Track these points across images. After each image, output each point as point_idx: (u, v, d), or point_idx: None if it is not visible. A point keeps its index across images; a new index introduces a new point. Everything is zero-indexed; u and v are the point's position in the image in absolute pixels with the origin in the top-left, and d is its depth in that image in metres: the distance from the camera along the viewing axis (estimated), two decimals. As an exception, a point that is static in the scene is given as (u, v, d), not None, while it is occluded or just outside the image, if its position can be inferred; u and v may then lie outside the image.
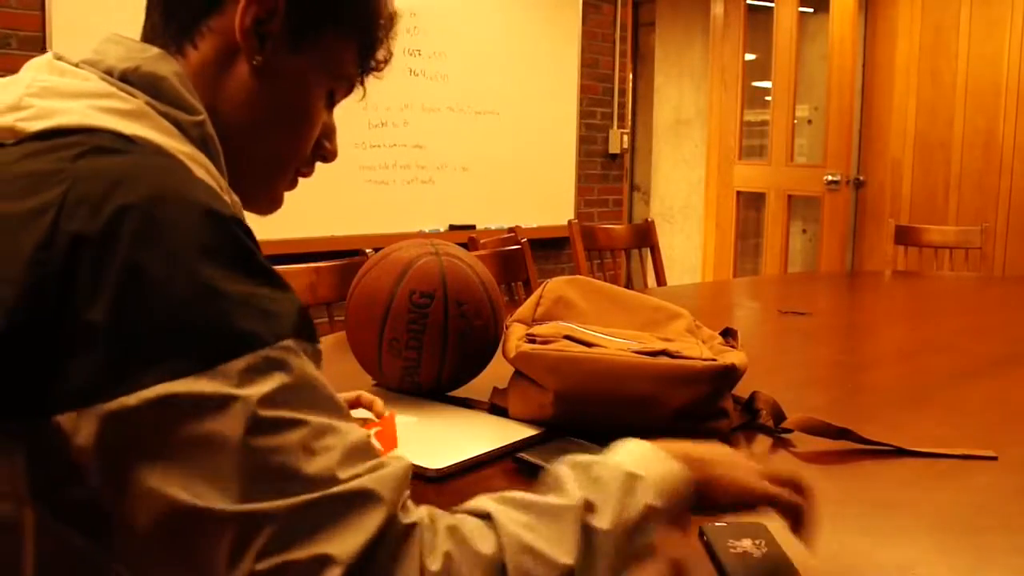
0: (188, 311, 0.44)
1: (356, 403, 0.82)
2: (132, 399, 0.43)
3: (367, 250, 1.66)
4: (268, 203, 0.64)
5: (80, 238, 0.44)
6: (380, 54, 0.63)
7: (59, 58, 0.56)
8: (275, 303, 0.48)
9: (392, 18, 0.64)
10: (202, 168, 0.54)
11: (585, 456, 0.54)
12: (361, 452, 0.47)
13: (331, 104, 0.64)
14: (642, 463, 0.54)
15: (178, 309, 0.44)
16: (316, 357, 0.50)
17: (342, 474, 0.45)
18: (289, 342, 0.47)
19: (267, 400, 0.44)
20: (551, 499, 0.50)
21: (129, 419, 0.43)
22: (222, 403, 0.43)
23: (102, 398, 0.43)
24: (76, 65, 0.56)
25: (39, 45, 2.40)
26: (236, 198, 0.58)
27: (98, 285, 0.44)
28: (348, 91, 0.64)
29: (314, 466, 0.44)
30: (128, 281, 0.44)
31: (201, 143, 0.55)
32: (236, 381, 0.44)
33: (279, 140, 0.61)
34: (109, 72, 0.55)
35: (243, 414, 0.44)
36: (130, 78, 0.55)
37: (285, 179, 0.63)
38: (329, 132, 0.65)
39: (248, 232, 0.50)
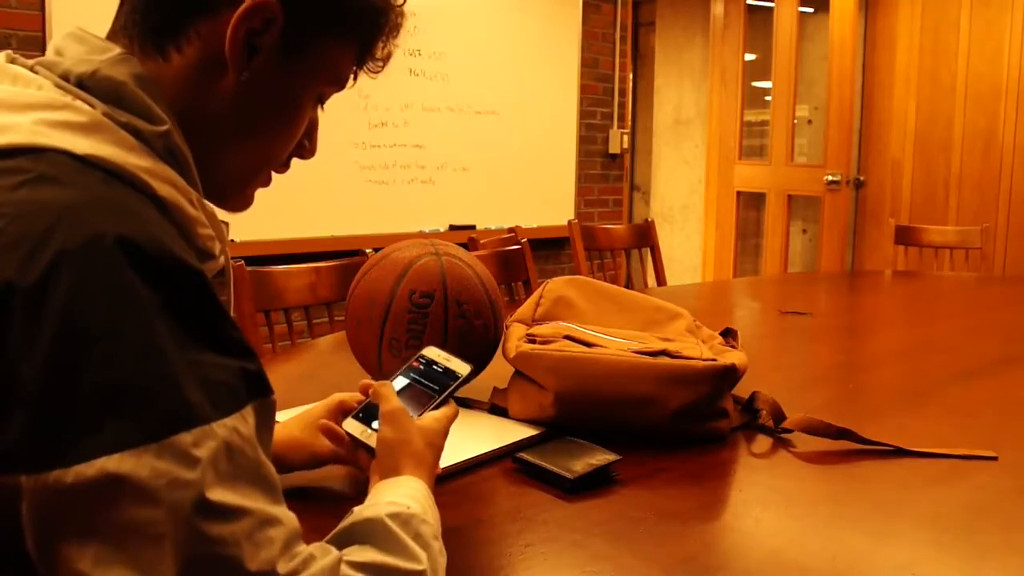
0: (133, 374, 0.42)
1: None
2: (69, 475, 0.39)
3: (367, 250, 1.66)
4: (240, 203, 0.60)
5: (11, 287, 0.41)
6: (380, 52, 0.60)
7: (12, 60, 0.52)
8: (225, 369, 0.46)
9: (399, 16, 0.60)
10: (166, 184, 0.50)
11: (397, 505, 0.56)
12: (296, 540, 0.47)
13: (320, 104, 0.61)
14: (430, 509, 0.59)
15: (121, 371, 0.41)
16: (268, 412, 0.49)
17: (282, 568, 0.44)
18: (235, 417, 0.45)
19: (214, 484, 0.43)
20: (409, 567, 0.52)
21: (64, 496, 0.39)
22: (169, 485, 0.41)
23: (37, 467, 0.40)
24: (32, 68, 0.52)
25: (39, 45, 2.40)
26: (210, 207, 0.55)
27: (32, 338, 0.40)
28: (340, 89, 0.60)
29: (257, 561, 0.43)
30: (65, 337, 0.40)
31: (167, 154, 0.51)
32: (184, 460, 0.42)
33: (260, 148, 0.58)
34: (65, 76, 0.51)
35: (190, 499, 0.41)
36: (87, 84, 0.51)
37: (261, 180, 0.60)
38: (311, 129, 0.61)
39: (200, 281, 0.46)
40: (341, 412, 0.73)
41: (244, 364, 0.47)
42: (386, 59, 0.61)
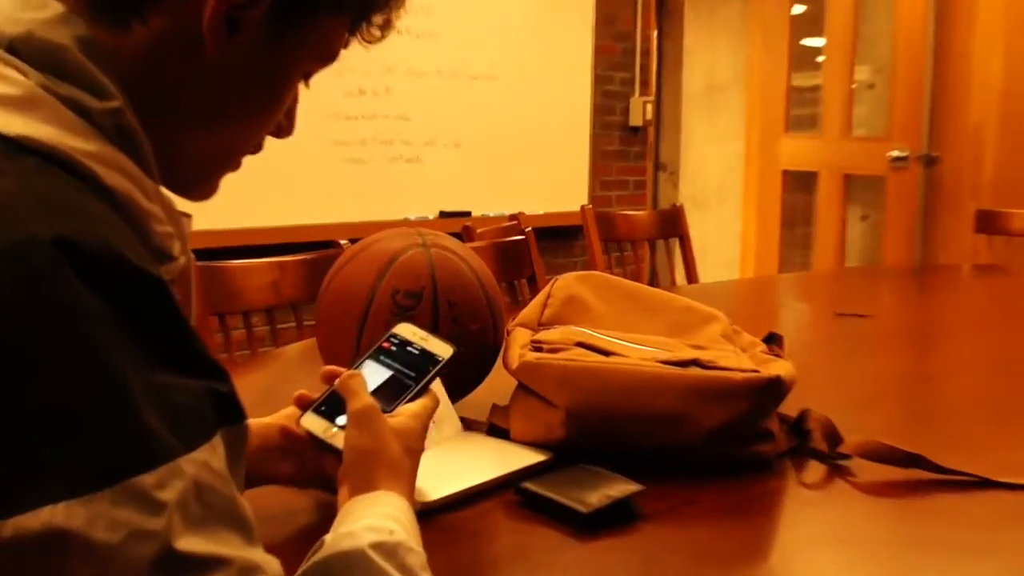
0: (81, 403, 0.41)
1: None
2: (6, 529, 0.39)
3: (342, 241, 1.65)
4: (206, 191, 0.61)
5: None
6: (378, 20, 0.60)
7: None
8: (190, 393, 0.46)
9: None
10: (116, 171, 0.50)
11: (378, 531, 0.58)
12: None
13: (306, 81, 0.61)
14: (414, 533, 0.61)
15: (67, 400, 0.41)
16: (240, 440, 0.50)
17: None
18: (204, 449, 0.45)
19: (183, 531, 0.43)
20: None
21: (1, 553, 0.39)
22: (128, 538, 0.41)
23: None
24: None
25: None
26: (168, 199, 0.55)
27: None
28: (330, 64, 0.61)
29: None
30: None
31: (117, 135, 0.51)
32: (146, 506, 0.42)
33: (235, 132, 0.58)
34: None
35: (153, 553, 0.41)
36: (19, 48, 0.49)
37: (232, 166, 0.61)
38: (291, 105, 0.62)
39: (158, 288, 0.46)
40: (299, 405, 0.72)
41: (213, 385, 0.48)
42: (384, 28, 0.61)
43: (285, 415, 0.77)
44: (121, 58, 0.53)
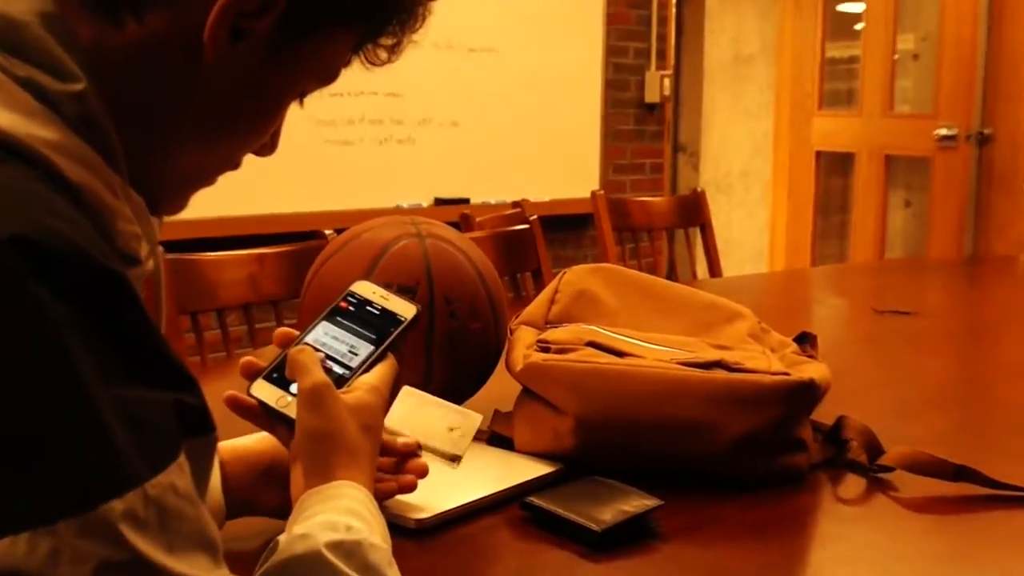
0: (43, 420, 0.41)
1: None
2: None
3: (327, 231, 1.66)
4: (176, 208, 0.62)
5: None
6: (387, 42, 0.61)
7: None
8: (157, 407, 0.46)
9: (427, 9, 0.61)
10: (78, 164, 0.50)
11: (335, 528, 0.59)
12: None
13: (300, 100, 0.63)
14: (377, 524, 0.62)
15: (26, 417, 0.41)
16: (206, 453, 0.50)
17: None
18: (172, 469, 0.46)
19: (152, 558, 0.43)
20: None
21: None
22: (99, 569, 0.41)
23: None
24: None
25: None
26: (137, 197, 0.55)
27: None
28: (328, 84, 0.62)
29: None
30: None
31: (81, 123, 0.50)
32: (113, 538, 0.42)
33: (221, 149, 0.59)
34: None
35: None
36: None
37: (207, 183, 0.62)
38: (278, 124, 0.63)
39: (126, 292, 0.47)
40: (246, 374, 0.72)
41: (180, 396, 0.48)
42: (393, 51, 0.62)
43: (265, 439, 0.77)
44: (104, 52, 0.53)
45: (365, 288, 0.76)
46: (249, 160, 0.63)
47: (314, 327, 0.73)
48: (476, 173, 3.45)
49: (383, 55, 0.62)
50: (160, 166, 0.57)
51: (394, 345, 0.73)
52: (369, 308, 0.75)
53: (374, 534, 0.60)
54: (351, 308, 0.75)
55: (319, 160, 3.09)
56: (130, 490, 0.43)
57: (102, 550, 0.42)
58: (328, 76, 0.61)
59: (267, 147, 0.63)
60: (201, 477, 0.51)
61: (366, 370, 0.71)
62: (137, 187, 0.55)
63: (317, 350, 0.71)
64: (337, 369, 0.70)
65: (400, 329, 0.73)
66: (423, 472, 0.78)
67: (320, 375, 0.67)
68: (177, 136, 0.57)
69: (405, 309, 0.75)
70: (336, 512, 0.61)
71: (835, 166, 4.14)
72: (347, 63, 0.62)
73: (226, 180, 0.63)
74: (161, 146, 0.56)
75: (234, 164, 0.62)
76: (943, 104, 3.59)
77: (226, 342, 1.62)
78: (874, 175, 3.82)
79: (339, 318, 0.74)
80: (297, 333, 0.73)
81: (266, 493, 0.77)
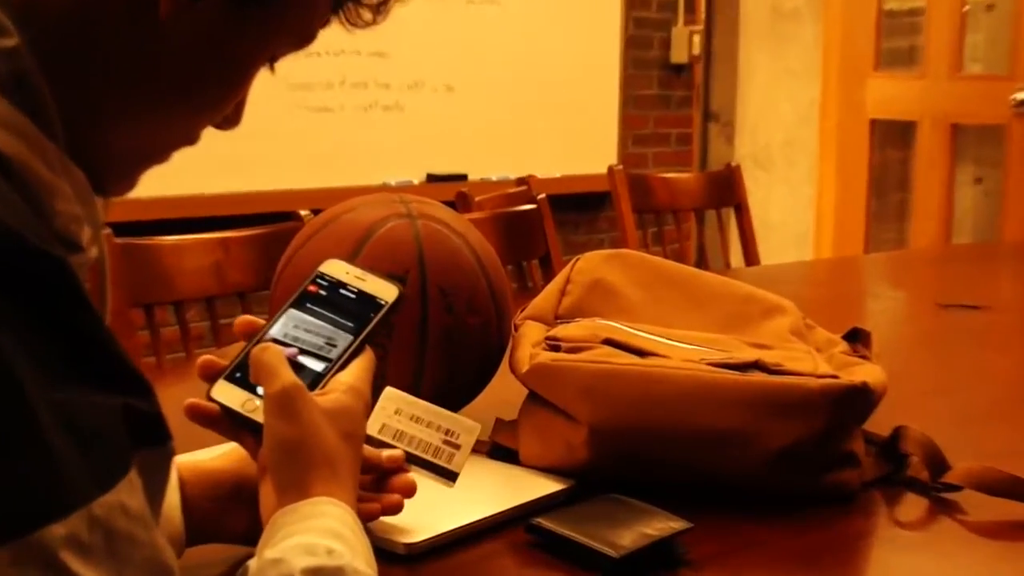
0: None
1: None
2: None
3: (302, 212, 1.65)
4: (124, 187, 0.62)
5: None
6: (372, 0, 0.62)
7: None
8: (103, 412, 0.46)
9: None
10: (8, 132, 0.50)
11: (313, 553, 0.59)
12: None
13: (271, 65, 0.63)
14: (360, 545, 0.63)
15: None
16: (162, 467, 0.50)
17: None
18: (121, 487, 0.46)
19: None
20: None
21: None
22: None
23: None
24: None
25: None
26: (79, 174, 0.55)
27: None
28: (303, 47, 0.63)
29: None
30: None
31: (13, 85, 0.50)
32: (55, 563, 0.42)
33: (176, 121, 0.60)
34: None
35: None
36: None
37: (161, 160, 0.62)
38: (243, 95, 0.64)
39: (66, 279, 0.47)
40: (205, 376, 0.72)
41: (130, 401, 0.48)
42: (378, 11, 0.63)
43: (231, 454, 0.77)
44: (40, 4, 0.52)
45: (337, 268, 0.76)
46: (212, 131, 0.63)
47: (279, 317, 0.73)
48: (474, 145, 3.46)
49: (367, 15, 0.63)
50: (105, 139, 0.57)
51: (373, 334, 0.72)
52: (343, 291, 0.75)
53: (358, 558, 0.61)
54: (322, 292, 0.74)
55: (293, 130, 3.09)
56: (73, 512, 0.43)
57: None
58: (303, 38, 0.61)
59: (230, 120, 0.64)
60: (155, 495, 0.51)
61: (344, 364, 0.71)
62: (79, 162, 0.55)
63: (288, 344, 0.71)
64: (312, 365, 0.70)
65: (380, 315, 0.73)
66: (410, 490, 0.77)
67: (289, 376, 0.67)
68: (125, 105, 0.57)
69: (385, 291, 0.74)
70: (314, 533, 0.61)
71: (893, 136, 4.13)
72: (325, 23, 0.62)
73: (187, 152, 0.64)
74: (107, 115, 0.56)
75: (191, 139, 0.62)
76: (1021, 64, 3.57)
77: (185, 340, 1.62)
78: (939, 147, 3.81)
79: (309, 304, 0.74)
80: (264, 322, 0.73)
81: (232, 516, 0.77)
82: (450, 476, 0.81)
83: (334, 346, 0.71)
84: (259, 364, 0.68)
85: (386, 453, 0.78)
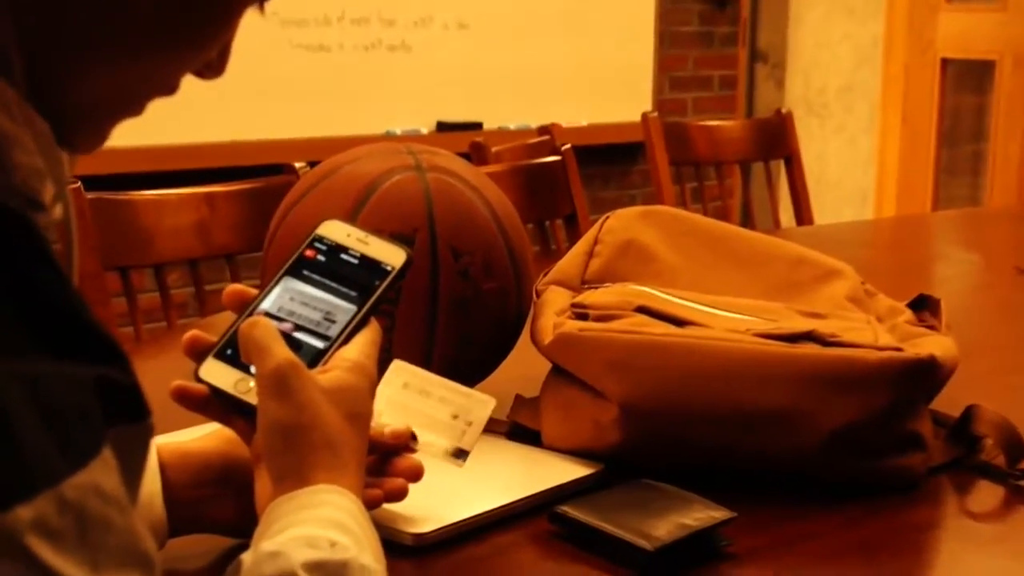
0: None
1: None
2: None
3: (297, 164, 1.65)
4: (95, 142, 0.62)
5: None
6: None
7: None
8: (74, 385, 0.47)
9: None
10: None
11: (315, 546, 0.60)
12: None
13: (261, 5, 0.62)
14: (366, 537, 0.63)
15: None
16: (139, 445, 0.51)
17: None
18: (94, 466, 0.46)
19: None
20: None
21: None
22: None
23: None
24: None
25: None
26: (42, 124, 0.55)
27: None
28: None
29: None
30: None
31: None
32: (21, 548, 0.43)
33: (152, 67, 0.59)
34: None
35: None
36: None
37: (135, 111, 0.62)
38: (228, 39, 0.63)
39: (30, 237, 0.48)
40: (192, 353, 0.72)
41: (105, 372, 0.48)
42: None
43: (216, 435, 0.78)
44: None
45: (337, 229, 0.76)
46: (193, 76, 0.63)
47: (273, 287, 0.73)
48: (490, 90, 3.45)
49: None
50: (72, 86, 0.57)
51: (378, 305, 0.73)
52: (344, 256, 0.75)
53: (364, 552, 0.61)
54: (320, 258, 0.75)
55: (286, 72, 3.09)
56: (40, 493, 0.44)
57: (5, 568, 0.43)
58: None
59: (213, 67, 0.63)
60: (132, 477, 0.51)
61: (347, 339, 0.71)
62: (42, 111, 0.55)
63: (281, 319, 0.71)
64: (312, 342, 0.70)
65: (387, 282, 0.73)
66: (417, 474, 0.77)
67: (283, 352, 0.67)
68: (95, 48, 0.56)
69: (392, 255, 0.74)
70: (316, 524, 0.61)
71: (968, 79, 4.10)
72: None
73: (175, 102, 0.64)
74: (74, 60, 0.56)
75: (169, 87, 0.62)
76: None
77: (166, 308, 1.62)
78: (1020, 90, 3.78)
79: (306, 272, 0.74)
80: (255, 292, 0.73)
81: (219, 504, 0.78)
82: (459, 454, 0.81)
83: (334, 321, 0.72)
84: (248, 341, 0.68)
85: (389, 429, 0.78)
